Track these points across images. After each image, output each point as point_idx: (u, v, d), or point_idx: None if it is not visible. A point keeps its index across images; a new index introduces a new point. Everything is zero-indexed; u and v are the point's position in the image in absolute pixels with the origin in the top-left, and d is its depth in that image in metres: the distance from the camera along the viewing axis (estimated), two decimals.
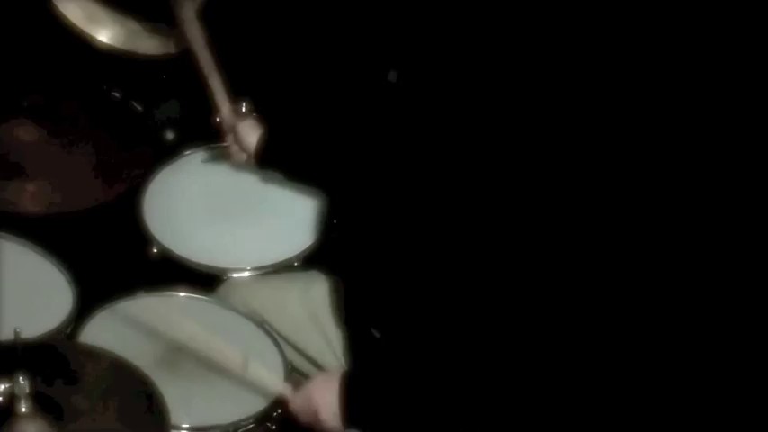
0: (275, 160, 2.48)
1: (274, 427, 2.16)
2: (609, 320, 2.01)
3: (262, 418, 2.13)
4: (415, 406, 2.03)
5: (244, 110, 2.51)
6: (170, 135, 2.82)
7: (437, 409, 2.02)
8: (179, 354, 2.20)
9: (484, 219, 1.98)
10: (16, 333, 1.80)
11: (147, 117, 2.79)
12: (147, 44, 2.68)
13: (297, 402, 2.11)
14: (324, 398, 2.06)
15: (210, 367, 2.16)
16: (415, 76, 2.08)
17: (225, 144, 2.56)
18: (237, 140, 2.49)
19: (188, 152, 2.66)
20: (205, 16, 2.60)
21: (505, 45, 1.95)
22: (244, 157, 2.51)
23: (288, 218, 2.55)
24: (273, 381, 2.15)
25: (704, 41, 2.04)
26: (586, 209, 1.98)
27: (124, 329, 2.20)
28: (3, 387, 1.81)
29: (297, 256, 2.45)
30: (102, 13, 2.65)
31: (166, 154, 2.64)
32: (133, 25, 2.67)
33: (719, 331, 2.11)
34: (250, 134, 2.47)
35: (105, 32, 2.65)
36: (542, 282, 1.95)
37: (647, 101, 2.07)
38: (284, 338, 2.30)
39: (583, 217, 1.98)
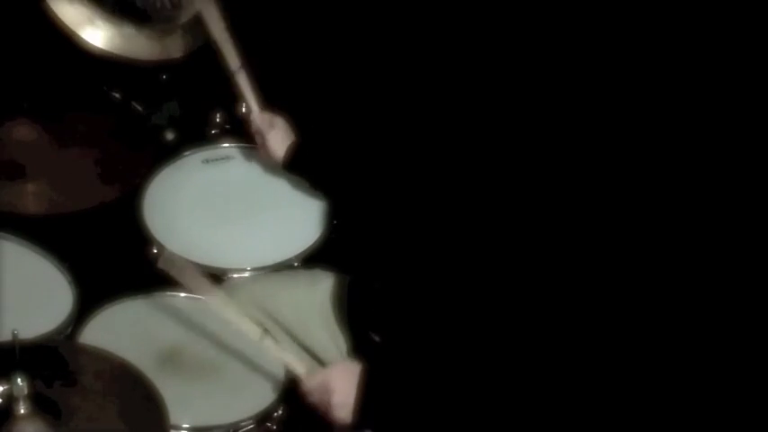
0: (303, 169, 2.51)
1: (274, 427, 2.16)
2: (609, 320, 2.01)
3: (262, 418, 2.13)
4: (426, 413, 2.03)
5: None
6: (170, 135, 2.82)
7: (443, 413, 2.01)
8: (179, 354, 2.20)
9: (485, 220, 1.98)
10: (14, 334, 1.79)
11: (147, 117, 2.79)
12: (143, 49, 2.68)
13: (313, 381, 2.10)
14: (342, 385, 2.05)
15: (211, 366, 2.17)
16: (416, 76, 2.09)
17: (247, 145, 2.61)
18: (266, 147, 2.52)
19: (188, 152, 2.66)
20: None
21: (507, 46, 1.95)
22: (265, 156, 2.55)
23: (288, 218, 2.55)
24: (289, 357, 2.15)
25: (704, 41, 2.04)
26: (587, 208, 1.98)
27: (124, 329, 2.20)
28: (1, 389, 1.81)
29: (297, 257, 2.45)
30: (97, 16, 2.64)
31: (166, 154, 2.64)
32: (129, 30, 2.66)
33: (720, 331, 2.11)
34: (279, 146, 2.50)
35: (100, 36, 2.65)
36: (543, 282, 1.95)
37: (648, 100, 2.06)
38: (286, 336, 2.29)
39: (583, 216, 1.97)
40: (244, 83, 2.54)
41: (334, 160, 2.44)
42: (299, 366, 2.14)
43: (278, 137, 2.51)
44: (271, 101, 2.57)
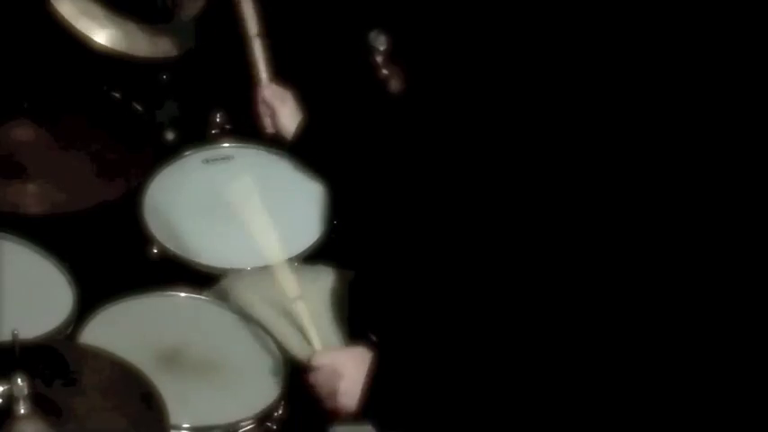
0: (310, 152, 2.51)
1: (274, 427, 2.16)
2: (609, 322, 2.01)
3: (262, 418, 2.13)
4: (425, 410, 2.02)
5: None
6: (170, 135, 2.82)
7: (442, 410, 2.01)
8: (179, 354, 2.20)
9: (486, 220, 1.98)
10: (14, 334, 1.79)
11: (148, 117, 2.79)
12: (146, 46, 2.68)
13: (324, 359, 2.08)
14: (352, 371, 2.04)
15: (211, 366, 2.17)
16: (417, 75, 2.08)
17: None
18: (274, 120, 2.52)
19: (188, 152, 2.66)
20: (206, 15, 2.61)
21: (505, 46, 1.95)
22: (272, 127, 2.54)
23: (288, 218, 2.55)
24: (312, 331, 2.14)
25: (704, 41, 2.03)
26: (586, 208, 1.98)
27: (124, 329, 2.20)
28: (1, 389, 1.81)
29: (297, 257, 2.45)
30: (100, 14, 2.65)
31: (166, 154, 2.64)
32: (132, 27, 2.67)
33: (719, 331, 2.11)
34: (289, 121, 2.50)
35: (103, 34, 2.65)
36: (544, 284, 1.95)
37: (648, 100, 2.06)
38: (286, 333, 2.29)
39: (583, 216, 1.97)
40: (259, 51, 2.54)
41: (341, 147, 2.43)
42: (317, 341, 2.12)
43: (288, 113, 2.50)
44: (283, 77, 2.57)
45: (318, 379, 2.08)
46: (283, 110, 2.50)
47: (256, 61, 2.54)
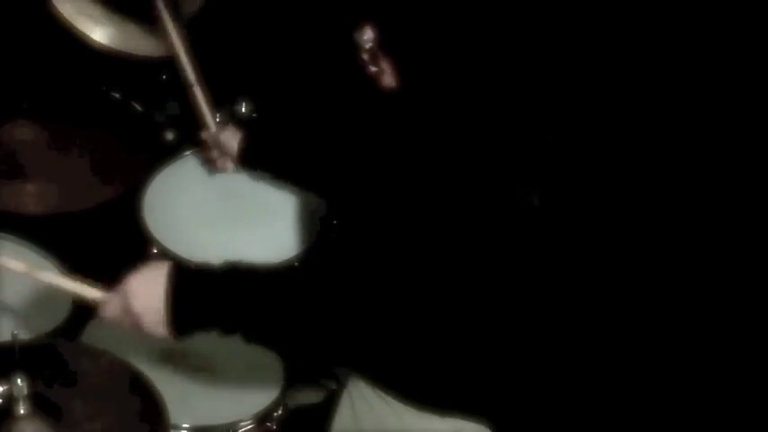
0: (256, 161, 2.49)
1: (274, 427, 2.17)
2: (610, 323, 2.01)
3: (262, 418, 2.13)
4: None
5: (244, 110, 2.56)
6: (170, 135, 2.82)
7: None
8: (179, 354, 2.20)
9: (480, 220, 1.98)
10: (14, 335, 1.80)
11: (147, 117, 2.80)
12: (145, 45, 2.68)
13: (111, 311, 1.89)
14: (147, 302, 1.86)
15: (211, 366, 2.17)
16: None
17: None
18: (222, 150, 2.51)
19: (188, 152, 2.66)
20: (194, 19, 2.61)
21: (500, 46, 1.94)
22: (230, 165, 2.52)
23: (288, 218, 2.55)
24: (76, 285, 1.96)
25: (704, 41, 2.04)
26: (588, 210, 1.98)
27: (124, 329, 2.20)
28: (1, 389, 1.81)
29: (297, 257, 2.45)
30: (99, 13, 2.65)
31: (166, 154, 2.64)
32: (130, 26, 2.67)
33: (719, 331, 2.11)
34: (232, 140, 2.48)
35: (102, 32, 2.65)
36: (546, 287, 1.94)
37: (648, 101, 2.06)
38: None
39: (584, 218, 1.97)
40: (200, 98, 2.53)
41: (288, 151, 2.43)
42: (92, 292, 1.94)
43: (230, 134, 2.49)
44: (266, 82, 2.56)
45: (112, 315, 1.90)
46: (225, 134, 2.48)
47: (200, 108, 2.51)
